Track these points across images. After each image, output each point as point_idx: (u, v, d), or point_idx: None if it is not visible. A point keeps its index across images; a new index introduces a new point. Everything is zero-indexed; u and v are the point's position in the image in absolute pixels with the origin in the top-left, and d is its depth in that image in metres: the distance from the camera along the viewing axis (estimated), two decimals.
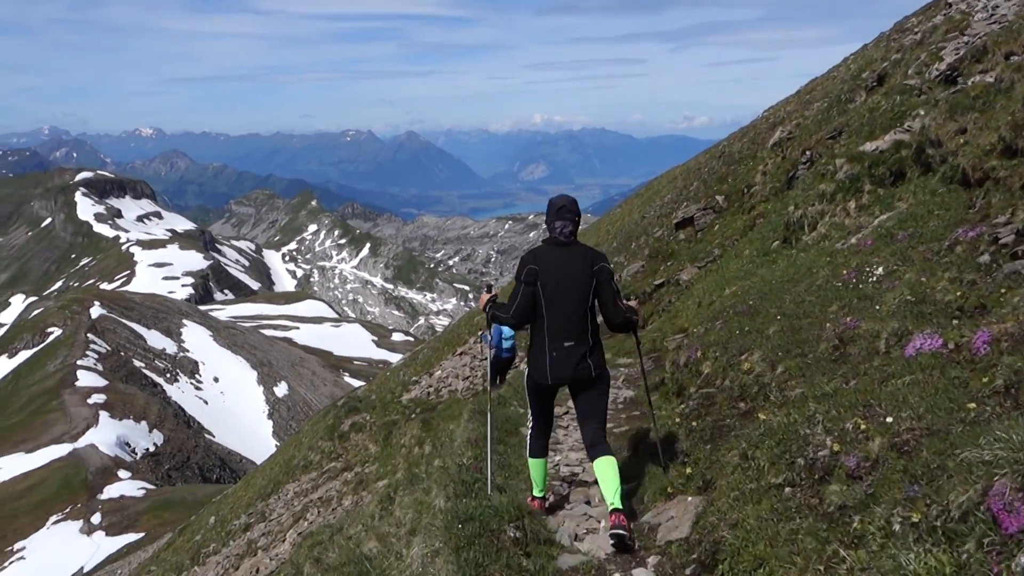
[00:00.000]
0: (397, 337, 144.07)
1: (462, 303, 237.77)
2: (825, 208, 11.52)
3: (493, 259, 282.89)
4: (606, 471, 5.45)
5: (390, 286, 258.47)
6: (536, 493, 6.12)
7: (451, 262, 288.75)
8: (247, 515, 20.57)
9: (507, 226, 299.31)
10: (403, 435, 15.71)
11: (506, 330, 15.31)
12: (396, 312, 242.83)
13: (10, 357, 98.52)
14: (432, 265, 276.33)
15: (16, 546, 50.80)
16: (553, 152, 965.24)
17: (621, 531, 5.15)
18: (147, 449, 67.29)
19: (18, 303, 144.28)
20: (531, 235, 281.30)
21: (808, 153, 15.82)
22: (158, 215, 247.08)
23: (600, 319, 5.72)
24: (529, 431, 6.05)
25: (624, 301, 5.88)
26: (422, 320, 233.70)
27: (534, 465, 6.05)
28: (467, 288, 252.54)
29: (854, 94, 17.17)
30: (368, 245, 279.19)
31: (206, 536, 23.53)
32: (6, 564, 48.56)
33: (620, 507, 5.26)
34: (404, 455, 14.01)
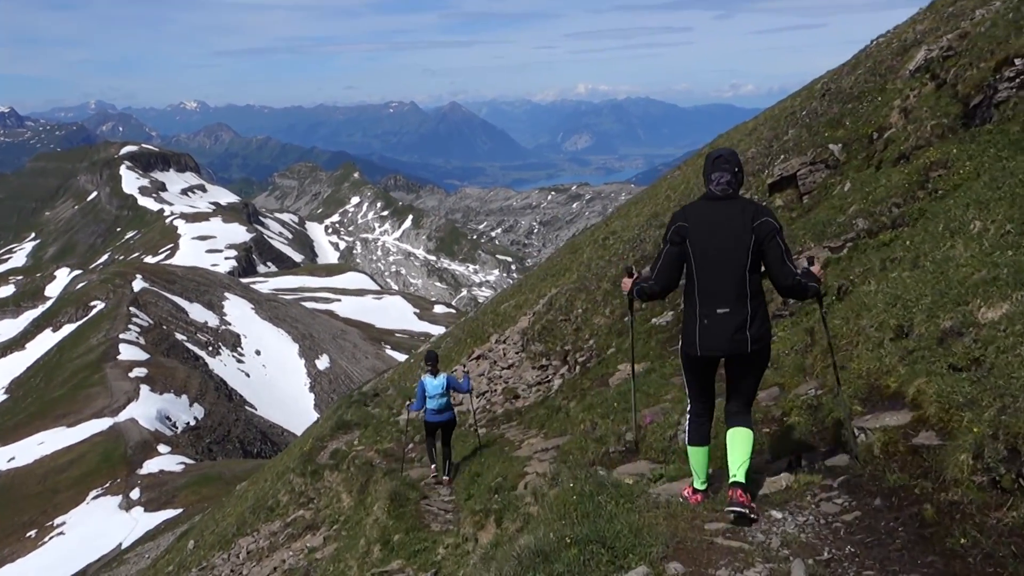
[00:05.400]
0: (439, 309, 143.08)
1: (504, 275, 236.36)
2: None
3: (536, 230, 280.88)
4: (737, 441, 5.09)
5: (433, 258, 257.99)
6: (698, 485, 5.41)
7: (494, 233, 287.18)
8: (199, 570, 18.18)
9: (550, 197, 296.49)
10: (374, 499, 12.13)
11: (431, 385, 12.61)
12: (439, 284, 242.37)
13: (55, 331, 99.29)
14: (475, 237, 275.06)
15: (56, 521, 50.55)
16: (597, 122, 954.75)
17: (739, 508, 4.80)
18: (188, 423, 66.87)
19: (63, 276, 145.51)
20: (574, 206, 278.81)
21: (1018, 65, 10.58)
22: (202, 188, 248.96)
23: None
24: (687, 415, 5.45)
25: (807, 266, 5.15)
26: (464, 292, 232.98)
27: (695, 454, 5.38)
28: (509, 260, 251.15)
29: None
30: (410, 217, 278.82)
31: None
32: (46, 539, 48.30)
33: (742, 481, 4.93)
34: (360, 556, 10.44)
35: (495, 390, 18.07)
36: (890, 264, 8.85)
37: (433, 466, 12.98)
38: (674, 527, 4.85)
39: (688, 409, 5.43)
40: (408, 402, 13.90)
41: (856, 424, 5.53)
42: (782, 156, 17.71)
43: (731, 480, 4.97)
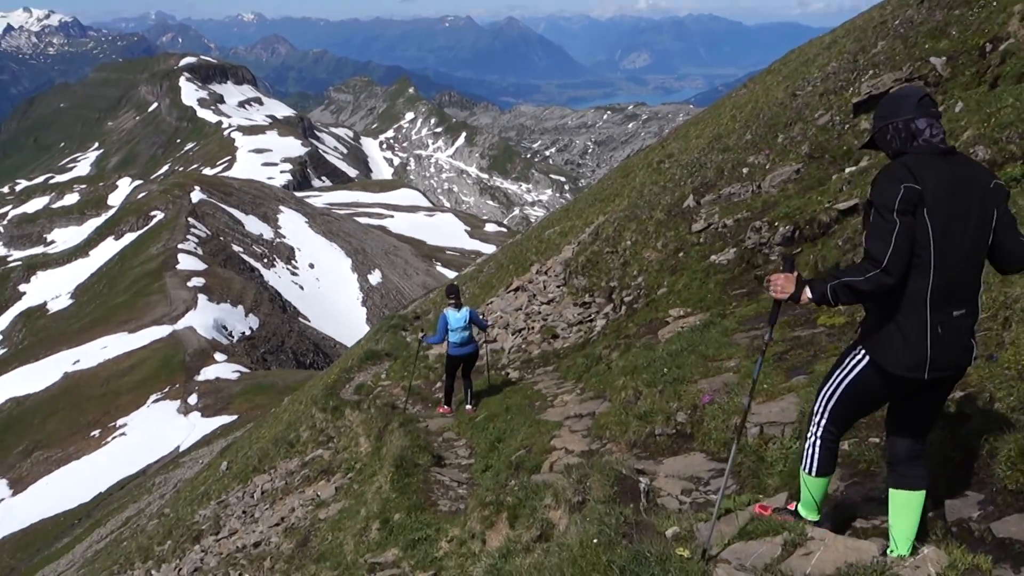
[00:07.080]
0: (490, 228, 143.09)
1: (557, 194, 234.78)
2: None
3: (590, 150, 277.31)
4: (913, 507, 3.74)
5: (485, 176, 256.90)
6: (812, 517, 4.10)
7: (547, 152, 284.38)
8: (217, 503, 17.73)
9: (605, 116, 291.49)
10: (387, 452, 10.88)
11: (454, 319, 12.54)
12: (491, 202, 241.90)
13: (117, 239, 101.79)
14: (528, 155, 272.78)
15: (119, 422, 52.64)
16: (657, 40, 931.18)
17: None
18: (243, 333, 68.57)
19: (125, 186, 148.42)
20: (630, 126, 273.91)
21: None
22: (259, 101, 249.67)
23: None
24: (816, 437, 3.93)
25: None
26: (517, 211, 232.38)
27: (819, 486, 4.01)
28: (563, 179, 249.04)
29: None
30: (464, 134, 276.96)
31: (168, 526, 20.74)
32: (109, 439, 50.40)
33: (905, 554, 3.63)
34: (357, 532, 9.20)
35: (532, 327, 16.39)
36: None
37: (444, 407, 13.37)
38: None
39: (818, 432, 3.95)
40: (424, 334, 14.12)
41: None
42: (871, 71, 15.47)
43: (894, 553, 3.71)
